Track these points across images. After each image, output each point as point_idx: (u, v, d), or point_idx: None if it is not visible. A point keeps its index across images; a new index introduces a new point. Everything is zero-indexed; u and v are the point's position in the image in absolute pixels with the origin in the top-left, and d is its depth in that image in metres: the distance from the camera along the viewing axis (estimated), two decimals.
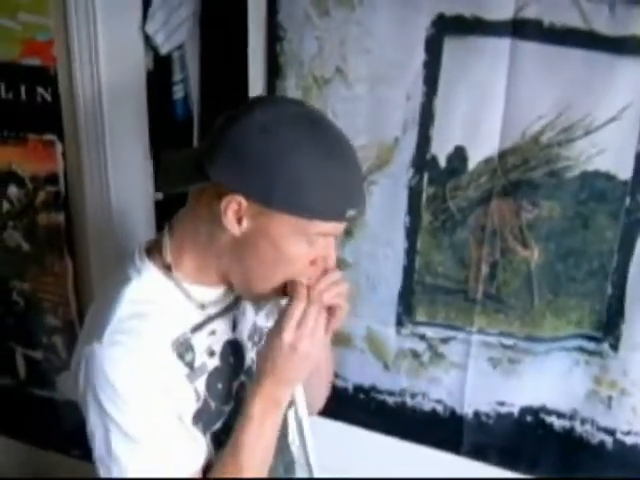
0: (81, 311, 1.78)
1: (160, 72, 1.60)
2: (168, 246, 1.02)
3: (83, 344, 0.97)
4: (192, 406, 1.01)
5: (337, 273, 1.05)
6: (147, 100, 1.58)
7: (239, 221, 0.94)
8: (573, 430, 1.42)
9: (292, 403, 1.24)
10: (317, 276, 1.02)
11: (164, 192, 1.15)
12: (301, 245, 0.97)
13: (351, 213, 0.96)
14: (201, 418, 1.03)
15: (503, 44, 1.23)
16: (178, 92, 1.63)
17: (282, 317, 1.00)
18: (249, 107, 0.95)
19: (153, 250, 1.04)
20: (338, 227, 0.99)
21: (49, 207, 1.71)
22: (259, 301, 1.13)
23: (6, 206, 1.76)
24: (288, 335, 0.99)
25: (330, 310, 1.04)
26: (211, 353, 1.06)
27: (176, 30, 1.56)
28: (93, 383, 0.94)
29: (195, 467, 1.02)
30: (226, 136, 0.93)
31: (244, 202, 0.92)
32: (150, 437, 0.96)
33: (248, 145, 0.91)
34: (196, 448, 1.02)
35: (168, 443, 0.98)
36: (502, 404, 1.45)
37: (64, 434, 1.87)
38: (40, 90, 1.62)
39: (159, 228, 1.63)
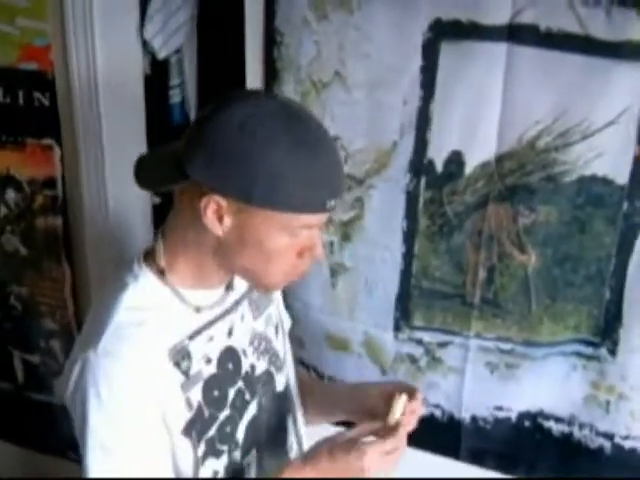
0: (79, 315, 1.78)
1: (157, 76, 1.60)
2: (161, 250, 1.02)
3: (79, 350, 0.97)
4: (183, 417, 1.01)
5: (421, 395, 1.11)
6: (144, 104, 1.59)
7: (220, 220, 0.94)
8: (571, 435, 1.42)
9: (290, 411, 1.25)
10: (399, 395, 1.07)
11: (145, 189, 1.15)
12: (284, 239, 0.97)
13: (332, 204, 0.97)
14: (194, 427, 1.02)
15: (499, 49, 1.22)
16: (175, 96, 1.63)
17: (372, 442, 1.01)
18: (225, 104, 0.94)
19: (149, 256, 1.04)
20: (320, 218, 1.00)
21: (47, 211, 1.71)
22: (270, 291, 1.15)
23: (4, 210, 1.76)
24: (369, 461, 0.99)
25: None
26: (208, 360, 1.05)
27: (173, 34, 1.56)
28: (83, 390, 0.94)
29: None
30: (204, 134, 0.93)
31: (223, 201, 0.92)
32: (126, 454, 0.95)
33: (226, 144, 0.91)
34: (175, 465, 1.01)
35: (142, 461, 0.96)
36: (500, 409, 1.44)
37: (61, 438, 1.86)
38: (38, 95, 1.63)
39: (157, 232, 1.63)
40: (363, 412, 1.16)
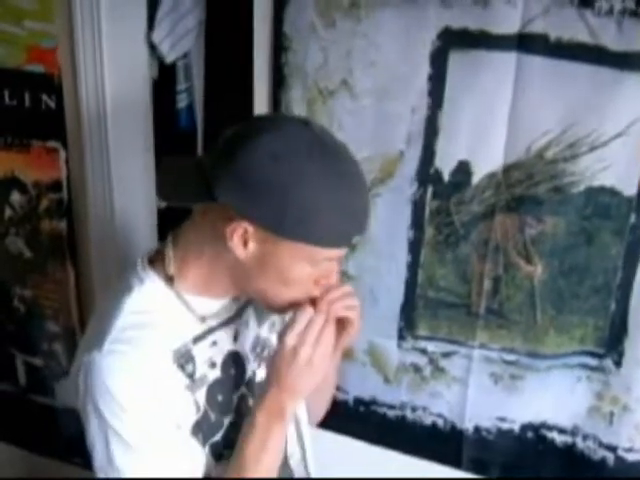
0: (82, 318, 1.78)
1: (164, 81, 1.60)
2: (171, 258, 1.02)
3: (83, 352, 0.97)
4: (191, 417, 1.01)
5: (348, 287, 1.08)
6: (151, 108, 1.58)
7: (245, 244, 0.95)
8: (574, 446, 1.41)
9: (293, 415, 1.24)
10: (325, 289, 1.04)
11: (168, 203, 1.15)
12: (306, 269, 0.98)
13: (357, 238, 0.98)
14: (201, 429, 1.03)
15: (509, 58, 1.22)
16: (182, 101, 1.63)
17: (288, 323, 1.02)
18: (257, 130, 0.94)
19: (156, 260, 1.04)
20: (343, 252, 1.01)
21: (52, 214, 1.71)
22: (279, 312, 1.14)
23: (9, 212, 1.76)
24: (291, 339, 0.99)
25: (341, 324, 1.05)
26: (212, 364, 1.05)
27: (182, 39, 1.56)
28: (93, 392, 0.94)
29: (195, 475, 1.02)
30: (235, 160, 0.92)
31: (250, 228, 0.93)
32: (150, 446, 0.96)
33: (258, 173, 0.90)
34: (195, 457, 1.02)
35: (168, 452, 0.98)
36: (503, 420, 1.44)
37: (63, 441, 1.87)
38: (44, 97, 1.62)
39: (162, 237, 1.63)
40: None
